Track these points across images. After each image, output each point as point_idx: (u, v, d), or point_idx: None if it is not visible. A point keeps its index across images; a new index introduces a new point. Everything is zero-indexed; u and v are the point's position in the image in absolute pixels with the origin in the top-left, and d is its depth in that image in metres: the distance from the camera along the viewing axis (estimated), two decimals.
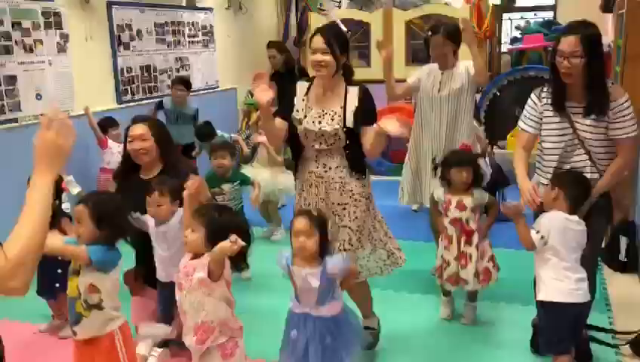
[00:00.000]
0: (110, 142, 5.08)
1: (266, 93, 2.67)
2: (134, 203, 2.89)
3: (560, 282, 2.57)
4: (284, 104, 3.01)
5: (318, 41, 2.83)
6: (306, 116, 2.91)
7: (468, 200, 3.30)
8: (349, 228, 2.91)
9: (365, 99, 2.91)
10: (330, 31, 2.87)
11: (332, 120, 2.87)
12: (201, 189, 2.88)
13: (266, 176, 4.79)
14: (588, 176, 2.75)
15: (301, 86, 3.02)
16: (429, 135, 3.94)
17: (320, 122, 2.88)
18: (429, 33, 3.84)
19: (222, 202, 3.92)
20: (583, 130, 2.76)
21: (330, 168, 2.92)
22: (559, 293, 2.57)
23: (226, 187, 4.02)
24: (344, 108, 2.88)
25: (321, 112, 2.90)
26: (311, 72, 3.04)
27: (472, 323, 3.45)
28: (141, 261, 3.11)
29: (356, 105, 2.88)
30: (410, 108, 6.85)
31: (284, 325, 2.64)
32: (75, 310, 2.34)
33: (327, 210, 2.87)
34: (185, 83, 5.78)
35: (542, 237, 2.59)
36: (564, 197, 2.64)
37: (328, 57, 2.81)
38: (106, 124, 5.17)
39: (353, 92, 2.91)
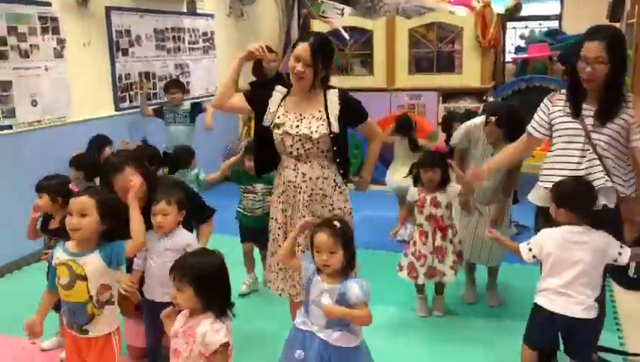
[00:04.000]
0: None
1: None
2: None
3: (554, 290, 2.58)
4: (257, 94, 2.99)
5: (304, 50, 2.71)
6: (282, 121, 2.82)
7: (442, 197, 3.48)
8: None
9: (346, 101, 2.85)
10: (318, 42, 2.75)
11: (311, 123, 2.78)
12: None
13: None
14: (600, 182, 2.63)
15: (278, 91, 2.92)
16: None
17: (298, 125, 2.80)
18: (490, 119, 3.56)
19: (252, 200, 3.98)
20: (596, 135, 2.66)
21: (310, 178, 2.82)
22: (547, 300, 2.60)
23: (258, 186, 3.97)
24: (326, 112, 2.80)
25: (299, 116, 2.82)
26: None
27: (443, 314, 3.65)
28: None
29: (338, 109, 2.80)
30: (414, 116, 6.76)
31: (284, 344, 2.46)
32: (85, 312, 2.35)
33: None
34: (178, 84, 5.77)
35: (530, 250, 2.66)
36: (566, 211, 2.59)
37: (309, 71, 2.72)
38: (102, 142, 4.91)
39: (332, 96, 2.83)
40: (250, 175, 3.95)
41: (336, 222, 2.33)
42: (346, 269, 2.32)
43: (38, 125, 4.73)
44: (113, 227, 2.38)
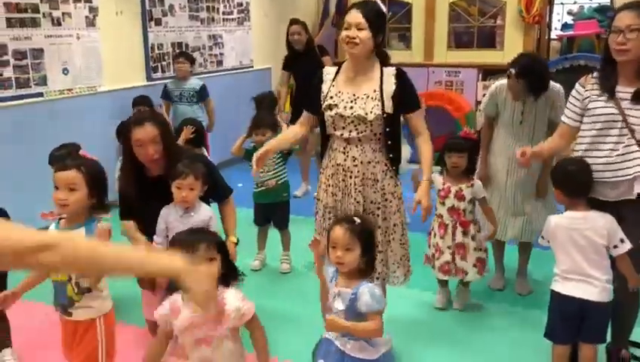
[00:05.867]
0: None
1: None
2: (151, 208, 2.73)
3: (565, 276, 2.56)
4: (309, 95, 2.81)
5: (355, 16, 2.60)
6: (335, 102, 2.69)
7: (467, 191, 3.25)
8: (380, 228, 2.72)
9: (404, 81, 2.69)
10: (368, 6, 2.65)
11: (365, 104, 2.64)
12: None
13: None
14: (636, 170, 2.46)
15: (327, 72, 2.80)
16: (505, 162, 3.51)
17: (352, 107, 2.65)
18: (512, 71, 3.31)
19: (266, 174, 3.87)
20: (633, 119, 2.47)
21: (361, 163, 2.69)
22: (560, 284, 2.58)
23: (269, 161, 3.82)
24: (381, 92, 2.65)
25: (353, 97, 2.67)
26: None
27: (464, 308, 3.43)
28: None
29: (394, 88, 2.65)
30: (450, 94, 6.57)
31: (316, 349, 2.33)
32: (66, 294, 2.24)
33: (362, 207, 2.68)
34: (187, 56, 5.52)
35: (542, 237, 2.69)
36: (561, 194, 2.59)
37: (364, 33, 2.58)
38: (139, 102, 4.87)
39: (389, 74, 2.68)
40: (259, 148, 3.89)
41: (356, 218, 2.19)
42: (365, 271, 2.17)
43: (69, 93, 4.74)
44: (102, 193, 2.28)
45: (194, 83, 5.39)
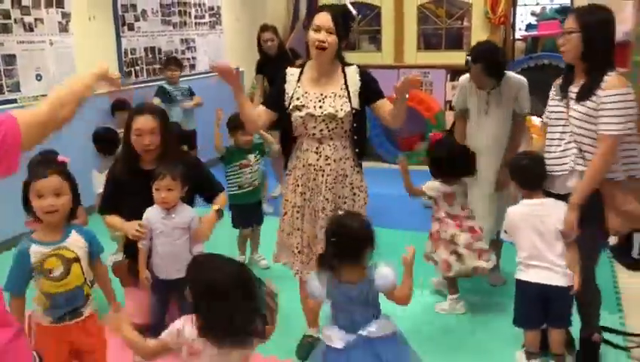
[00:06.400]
0: None
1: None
2: (137, 201, 2.78)
3: (527, 263, 2.73)
4: (271, 92, 2.88)
5: (325, 19, 2.67)
6: (303, 103, 2.75)
7: (457, 188, 3.35)
8: None
9: (367, 77, 2.80)
10: (338, 10, 2.74)
11: (334, 102, 2.72)
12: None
13: None
14: (570, 166, 2.61)
15: (291, 72, 2.85)
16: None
17: (321, 106, 2.73)
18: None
19: (249, 173, 3.98)
20: (573, 118, 2.61)
21: (334, 160, 2.76)
22: (523, 273, 2.74)
23: (251, 157, 3.99)
24: (347, 89, 2.74)
25: (321, 96, 2.75)
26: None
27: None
28: (131, 254, 2.94)
29: (359, 85, 2.75)
30: (420, 94, 6.71)
31: None
32: (83, 294, 2.33)
33: (331, 204, 2.76)
34: (177, 62, 5.69)
35: (505, 232, 2.86)
36: (517, 186, 2.80)
37: (332, 38, 2.67)
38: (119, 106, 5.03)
39: (352, 72, 2.79)
40: (243, 149, 3.96)
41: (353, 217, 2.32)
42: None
43: (43, 99, 4.72)
44: (76, 203, 2.34)
45: (185, 86, 5.69)
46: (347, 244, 2.20)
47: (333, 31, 2.66)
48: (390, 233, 4.38)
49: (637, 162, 2.66)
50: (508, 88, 3.42)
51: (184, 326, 1.93)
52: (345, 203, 2.81)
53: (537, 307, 2.72)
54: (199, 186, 2.97)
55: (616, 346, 2.99)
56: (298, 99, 2.76)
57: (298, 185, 2.84)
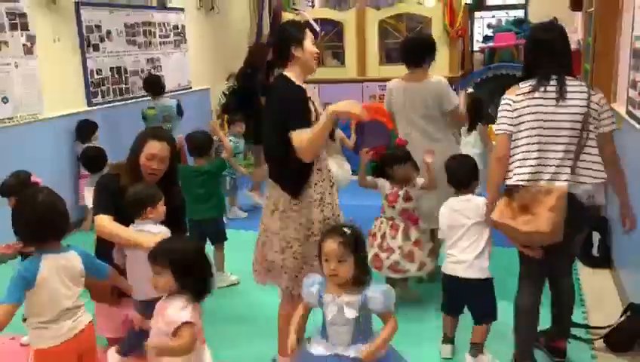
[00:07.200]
0: None
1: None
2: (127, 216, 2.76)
3: (448, 254, 2.95)
4: (304, 113, 2.60)
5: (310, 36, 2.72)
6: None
7: (413, 191, 3.49)
8: None
9: None
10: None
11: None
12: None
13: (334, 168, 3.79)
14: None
15: (308, 89, 2.69)
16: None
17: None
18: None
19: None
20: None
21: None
22: (446, 265, 2.96)
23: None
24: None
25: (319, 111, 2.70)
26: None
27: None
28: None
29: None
30: (383, 106, 6.86)
31: None
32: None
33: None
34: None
35: (440, 231, 3.05)
36: (450, 185, 3.01)
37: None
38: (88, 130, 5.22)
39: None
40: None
41: (346, 229, 2.18)
42: (359, 277, 2.16)
43: (9, 122, 4.71)
44: None
45: (172, 103, 5.85)
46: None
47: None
48: None
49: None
50: (425, 85, 3.78)
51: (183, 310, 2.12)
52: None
53: (455, 296, 2.97)
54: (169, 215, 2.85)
55: (580, 339, 3.14)
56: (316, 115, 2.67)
57: (323, 200, 2.70)
